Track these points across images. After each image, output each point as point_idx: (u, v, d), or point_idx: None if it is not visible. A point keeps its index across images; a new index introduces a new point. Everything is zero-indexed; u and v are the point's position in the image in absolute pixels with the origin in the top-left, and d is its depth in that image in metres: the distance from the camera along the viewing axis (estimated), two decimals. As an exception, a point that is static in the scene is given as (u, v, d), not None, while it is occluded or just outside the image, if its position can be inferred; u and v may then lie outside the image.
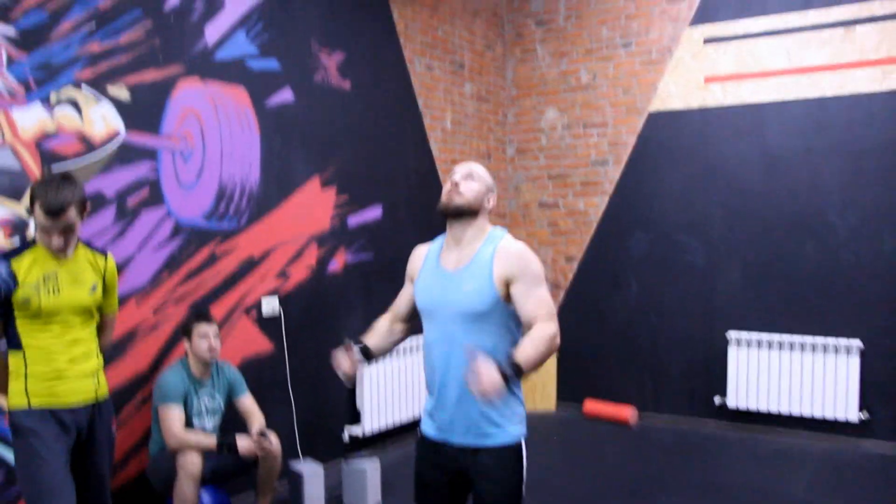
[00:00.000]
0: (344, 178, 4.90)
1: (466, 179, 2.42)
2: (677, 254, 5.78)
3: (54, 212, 2.68)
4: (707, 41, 5.63)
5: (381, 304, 5.02)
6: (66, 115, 3.45)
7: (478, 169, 2.48)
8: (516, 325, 2.38)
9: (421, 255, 2.56)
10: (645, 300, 5.92)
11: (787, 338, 5.28)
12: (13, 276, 2.69)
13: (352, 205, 4.98)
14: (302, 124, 4.61)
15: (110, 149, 3.62)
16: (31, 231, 3.24)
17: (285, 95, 4.51)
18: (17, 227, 3.29)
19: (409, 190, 5.47)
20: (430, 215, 5.65)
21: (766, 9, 5.41)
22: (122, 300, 3.63)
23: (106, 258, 2.97)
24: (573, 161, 6.28)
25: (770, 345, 5.33)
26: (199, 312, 3.79)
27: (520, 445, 2.38)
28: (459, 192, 2.38)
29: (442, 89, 5.78)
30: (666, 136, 5.80)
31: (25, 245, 2.78)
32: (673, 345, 5.81)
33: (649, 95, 5.88)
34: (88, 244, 2.93)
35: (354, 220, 5.00)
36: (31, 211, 2.72)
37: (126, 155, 3.68)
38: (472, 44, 6.12)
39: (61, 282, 2.78)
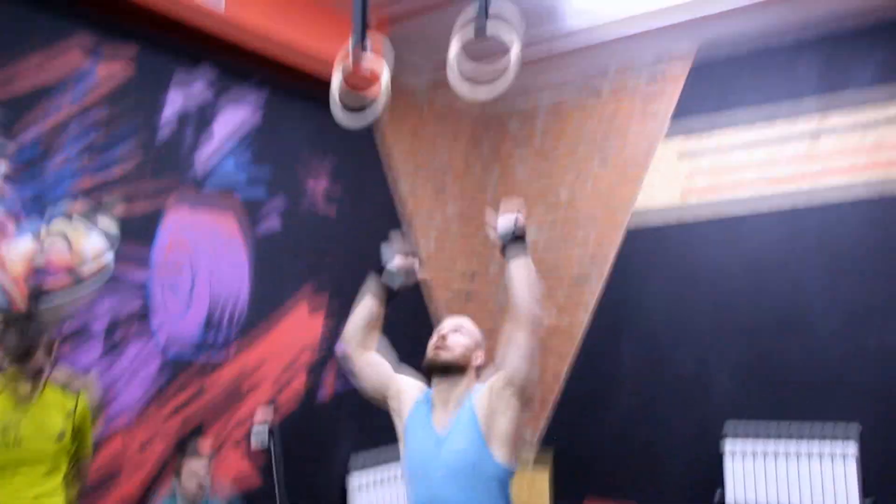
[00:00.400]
0: (332, 304, 4.84)
1: (454, 333, 2.36)
2: (666, 364, 5.73)
3: (20, 357, 2.58)
4: (682, 156, 5.78)
5: (373, 434, 4.92)
6: (56, 248, 3.40)
7: (466, 323, 2.42)
8: (506, 491, 2.25)
9: (412, 398, 2.42)
10: (637, 411, 5.82)
11: (783, 430, 5.19)
12: None
13: (340, 330, 4.89)
14: (289, 251, 4.59)
15: (99, 281, 3.55)
16: None
17: (273, 223, 4.51)
18: None
19: (395, 313, 5.39)
20: (416, 339, 5.59)
21: (736, 122, 5.58)
22: (108, 437, 3.49)
23: (77, 399, 2.82)
24: (556, 277, 6.30)
25: (767, 436, 5.23)
26: (188, 448, 3.63)
27: None
28: (446, 347, 2.31)
29: (426, 212, 5.84)
30: (647, 248, 5.85)
31: None
32: (670, 447, 5.68)
33: (628, 210, 5.97)
34: (66, 384, 2.81)
35: (343, 346, 4.91)
36: None
37: (115, 287, 3.61)
38: (452, 167, 6.23)
39: (23, 431, 2.61)
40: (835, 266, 5.20)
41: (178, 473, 3.52)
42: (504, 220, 2.29)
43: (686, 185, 5.76)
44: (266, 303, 4.40)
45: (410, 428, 2.37)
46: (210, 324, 4.06)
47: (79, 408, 2.82)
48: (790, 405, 5.25)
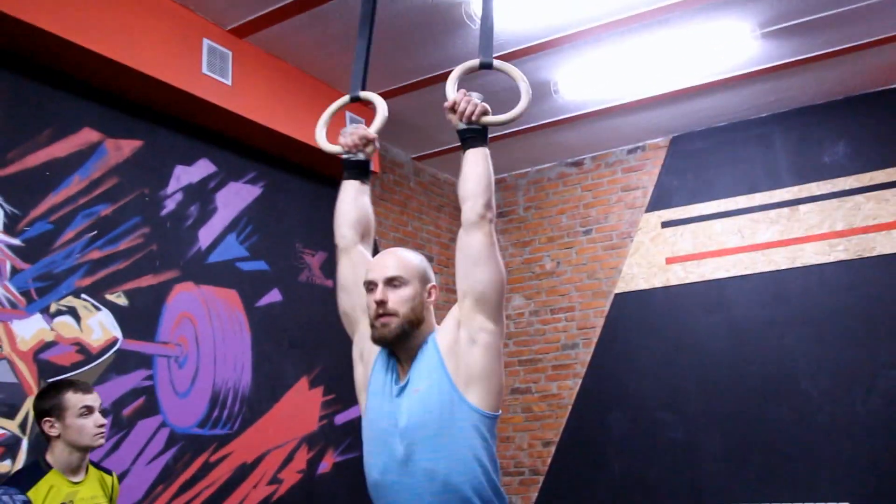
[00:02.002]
0: (329, 377, 4.81)
1: (391, 289, 1.93)
2: (657, 430, 5.77)
3: (89, 388, 2.62)
4: (665, 225, 5.94)
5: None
6: (65, 324, 3.35)
7: (399, 262, 1.98)
8: (487, 440, 1.89)
9: (370, 350, 2.05)
10: (629, 478, 5.81)
11: (777, 511, 5.24)
12: None
13: (337, 404, 4.86)
14: (290, 324, 4.57)
15: (108, 357, 3.50)
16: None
17: (274, 296, 4.50)
18: (11, 448, 3.08)
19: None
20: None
21: (715, 194, 5.79)
22: (117, 520, 3.38)
23: (112, 477, 2.80)
24: (543, 346, 6.35)
25: (762, 520, 5.26)
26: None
27: None
28: (389, 313, 1.92)
29: (414, 282, 5.86)
30: (633, 315, 5.95)
31: (39, 470, 2.53)
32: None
33: (613, 278, 6.09)
34: (92, 462, 2.76)
35: (341, 418, 4.86)
36: (47, 416, 2.54)
37: (122, 363, 3.56)
38: (438, 237, 6.30)
39: None
40: (818, 328, 5.35)
41: (189, 555, 3.41)
42: (465, 102, 2.02)
43: (670, 251, 5.90)
44: (269, 376, 4.35)
45: (374, 378, 2.01)
46: (216, 400, 4.00)
47: (115, 485, 2.79)
48: (782, 479, 5.31)
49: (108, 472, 2.79)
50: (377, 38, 4.17)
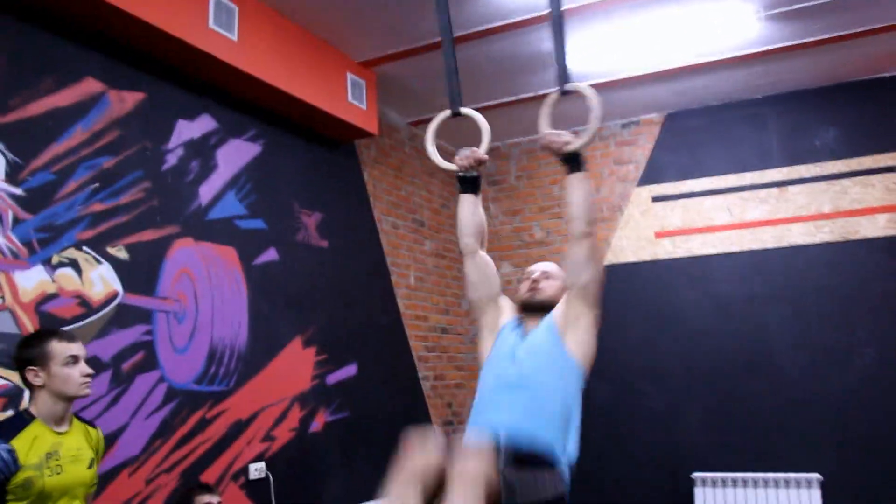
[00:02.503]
0: (323, 337, 4.84)
1: (545, 279, 2.71)
2: (638, 400, 5.90)
3: (74, 336, 2.60)
4: (655, 199, 6.01)
5: (360, 464, 4.92)
6: (66, 276, 3.33)
7: (553, 268, 2.77)
8: (573, 384, 2.57)
9: (508, 317, 2.77)
10: (609, 446, 5.95)
11: (750, 476, 5.38)
12: (14, 459, 2.39)
13: (330, 364, 4.89)
14: (285, 283, 4.58)
15: (108, 311, 3.49)
16: (27, 403, 3.00)
17: (270, 255, 4.50)
18: (13, 399, 3.07)
19: (379, 347, 5.44)
20: (401, 373, 5.64)
21: (707, 171, 5.87)
22: (115, 471, 3.40)
23: (97, 430, 2.78)
24: (529, 314, 6.41)
25: (734, 483, 5.41)
26: (203, 483, 3.58)
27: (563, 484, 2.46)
28: (539, 290, 2.69)
29: (406, 247, 5.89)
30: (620, 287, 6.03)
31: (23, 420, 2.51)
32: (641, 488, 5.81)
33: (602, 250, 6.16)
34: (76, 415, 2.74)
35: (332, 378, 4.91)
36: (31, 365, 2.52)
37: (122, 317, 3.55)
38: (430, 202, 6.31)
39: (63, 459, 2.53)
40: (800, 307, 5.49)
41: (187, 508, 3.45)
42: (551, 142, 2.61)
43: (659, 225, 5.97)
44: (264, 334, 4.37)
45: (502, 335, 2.68)
46: (213, 356, 4.01)
47: (100, 438, 2.78)
48: (757, 451, 5.46)
49: (93, 426, 2.77)
50: (385, 2, 4.17)
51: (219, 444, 3.99)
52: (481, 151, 2.78)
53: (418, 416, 5.85)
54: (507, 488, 2.20)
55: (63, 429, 2.59)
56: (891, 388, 5.20)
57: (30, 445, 2.45)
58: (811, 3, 4.45)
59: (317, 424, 4.71)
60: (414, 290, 5.94)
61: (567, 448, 2.52)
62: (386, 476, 2.20)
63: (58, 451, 2.52)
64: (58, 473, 2.50)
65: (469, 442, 2.31)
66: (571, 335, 2.56)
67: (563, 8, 4.35)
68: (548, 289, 2.70)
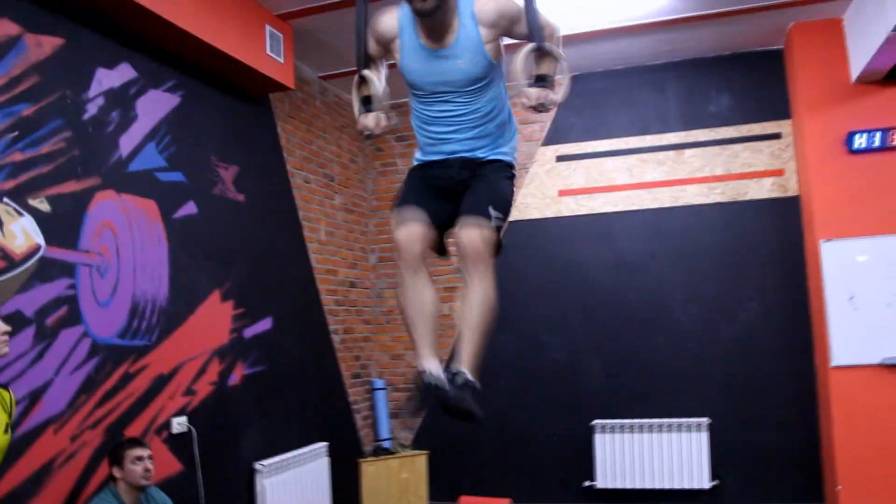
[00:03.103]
0: (240, 291, 4.83)
1: None
2: (541, 352, 6.19)
3: None
4: (559, 159, 6.25)
5: (277, 415, 4.98)
6: (-12, 229, 3.21)
7: None
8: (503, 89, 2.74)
9: (391, 25, 2.66)
10: (514, 398, 6.23)
11: (645, 422, 5.79)
12: None
13: (247, 318, 4.90)
14: (204, 237, 4.54)
15: (31, 265, 3.39)
16: None
17: (190, 208, 4.44)
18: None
19: (293, 301, 5.47)
20: (313, 326, 5.69)
21: (609, 133, 6.14)
22: (40, 429, 3.35)
23: (10, 393, 2.73)
24: (436, 268, 6.56)
25: (631, 428, 5.81)
26: (132, 438, 3.56)
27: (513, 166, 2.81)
28: None
29: (317, 201, 5.90)
30: (525, 243, 6.27)
31: None
32: (543, 437, 6.13)
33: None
34: None
35: (249, 332, 4.92)
36: None
37: (45, 271, 3.45)
38: (339, 157, 6.32)
39: None
40: (693, 263, 5.88)
41: (118, 462, 3.43)
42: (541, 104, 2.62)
43: (563, 184, 6.22)
44: (184, 288, 4.33)
45: (407, 54, 2.65)
46: (134, 310, 3.95)
47: (12, 401, 2.71)
48: (652, 399, 5.87)
49: (6, 388, 2.72)
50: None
51: (142, 398, 3.96)
52: (372, 122, 2.75)
53: (329, 368, 5.94)
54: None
55: None
56: (771, 337, 5.68)
57: None
58: (715, -22, 4.73)
59: (235, 378, 4.73)
60: (325, 244, 5.98)
61: (511, 142, 2.84)
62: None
63: None
64: None
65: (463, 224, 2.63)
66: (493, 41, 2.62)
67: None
68: None
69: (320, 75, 6.06)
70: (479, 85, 2.64)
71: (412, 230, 2.68)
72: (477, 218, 2.61)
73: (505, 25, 2.62)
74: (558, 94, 2.65)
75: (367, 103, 2.76)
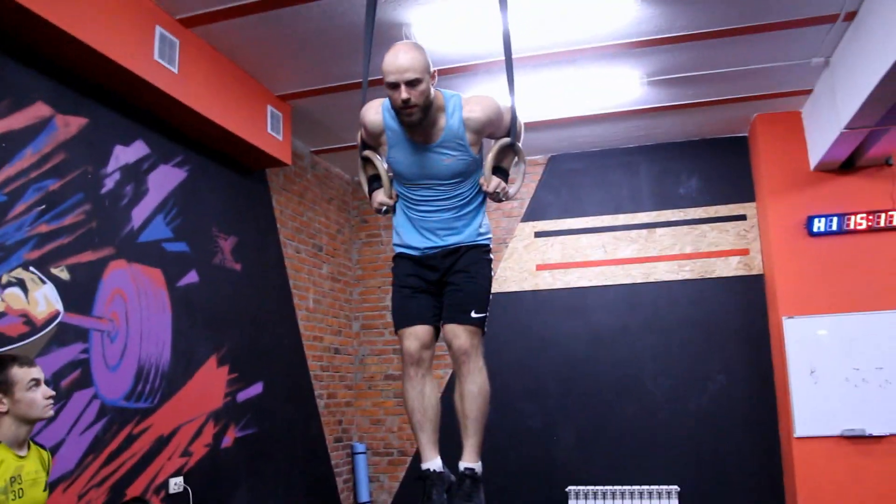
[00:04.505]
0: (234, 356, 5.03)
1: (411, 88, 2.59)
2: (518, 419, 6.41)
3: (32, 361, 2.66)
4: (537, 235, 6.59)
5: (266, 477, 5.13)
6: (14, 295, 3.42)
7: (412, 62, 2.60)
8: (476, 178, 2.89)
9: (377, 122, 2.81)
10: (491, 461, 6.36)
11: (618, 488, 6.01)
12: None
13: (240, 382, 5.09)
14: (204, 304, 4.76)
15: (50, 330, 3.59)
16: None
17: (192, 277, 4.67)
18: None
19: (282, 366, 5.67)
20: (300, 391, 5.88)
21: (584, 211, 6.51)
22: (51, 487, 3.47)
23: (48, 452, 2.86)
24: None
25: (604, 495, 6.02)
26: (137, 497, 3.73)
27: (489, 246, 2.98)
28: (413, 106, 2.61)
29: (306, 271, 6.15)
30: (504, 315, 6.54)
31: None
32: (519, 501, 6.31)
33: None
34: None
35: (242, 396, 5.10)
36: None
37: (63, 336, 3.65)
38: (327, 228, 6.60)
39: (25, 483, 2.60)
40: (664, 336, 6.20)
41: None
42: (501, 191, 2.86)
43: (540, 259, 6.54)
44: (184, 353, 4.53)
45: (395, 149, 2.81)
46: (140, 373, 4.14)
47: (49, 460, 2.85)
48: (624, 466, 6.11)
49: (44, 448, 2.85)
50: (311, 41, 4.45)
51: (143, 459, 4.12)
52: (385, 196, 2.93)
53: (314, 431, 6.10)
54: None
55: (23, 452, 2.65)
56: (737, 408, 5.98)
57: None
58: (685, 74, 5.15)
59: (228, 440, 4.89)
60: (312, 312, 6.21)
61: (486, 218, 2.99)
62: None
63: (20, 474, 2.59)
64: (20, 497, 2.57)
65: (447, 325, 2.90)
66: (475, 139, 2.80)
67: (473, 62, 4.86)
68: (419, 98, 2.62)
69: (312, 150, 6.38)
70: (461, 178, 2.86)
71: (418, 338, 2.88)
72: (463, 325, 2.86)
73: (490, 130, 2.86)
74: (513, 188, 2.90)
75: (375, 181, 2.96)
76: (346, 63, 4.84)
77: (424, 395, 2.92)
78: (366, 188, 3.04)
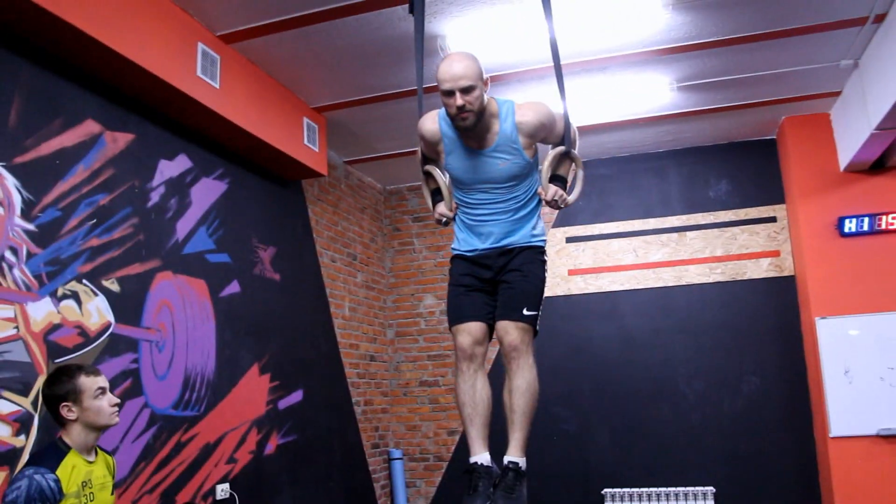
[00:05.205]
0: (275, 365, 5.13)
1: (465, 95, 2.70)
2: (553, 423, 6.46)
3: (98, 370, 2.75)
4: (569, 240, 6.65)
5: (307, 483, 5.21)
6: (69, 307, 3.53)
7: (466, 70, 2.70)
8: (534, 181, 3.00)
9: (434, 131, 2.94)
10: (527, 465, 6.44)
11: (653, 490, 6.04)
12: (60, 488, 2.54)
13: (281, 390, 5.19)
14: (246, 314, 4.86)
15: (103, 341, 3.70)
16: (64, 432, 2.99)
17: (234, 287, 4.77)
18: (24, 424, 3.25)
19: (321, 374, 5.77)
20: (338, 398, 5.97)
21: (615, 216, 6.56)
22: (107, 493, 3.60)
23: (112, 458, 2.97)
24: (451, 343, 6.86)
25: (640, 497, 6.05)
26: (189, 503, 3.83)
27: (544, 248, 3.07)
28: (467, 112, 2.72)
29: (342, 279, 6.25)
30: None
31: (59, 451, 2.65)
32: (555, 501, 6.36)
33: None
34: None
35: (283, 404, 5.20)
36: (64, 401, 2.66)
37: (114, 346, 3.76)
38: (361, 237, 6.70)
39: (94, 487, 2.70)
40: (696, 339, 6.23)
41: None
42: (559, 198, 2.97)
43: (572, 264, 6.60)
44: (228, 362, 4.63)
45: (452, 155, 2.93)
46: (187, 382, 4.25)
47: (114, 465, 2.97)
48: (659, 467, 6.14)
49: (109, 453, 2.97)
50: (345, 54, 4.56)
51: (191, 466, 4.23)
52: (446, 209, 3.07)
53: (351, 438, 6.19)
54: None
55: (92, 458, 2.76)
56: (771, 409, 6.00)
57: (69, 475, 2.61)
58: (714, 80, 5.20)
59: (270, 447, 4.99)
60: (348, 320, 6.30)
61: (541, 222, 3.09)
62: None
63: (90, 479, 2.70)
64: (91, 500, 2.68)
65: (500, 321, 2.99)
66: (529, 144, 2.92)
67: (504, 72, 4.93)
68: (475, 103, 2.72)
69: (346, 160, 6.48)
70: (517, 181, 2.96)
71: (471, 334, 2.99)
72: (514, 321, 2.96)
73: (543, 134, 2.97)
74: (572, 195, 3.01)
75: (437, 195, 3.11)
76: (379, 75, 4.94)
77: (476, 389, 3.01)
78: (429, 201, 3.18)
